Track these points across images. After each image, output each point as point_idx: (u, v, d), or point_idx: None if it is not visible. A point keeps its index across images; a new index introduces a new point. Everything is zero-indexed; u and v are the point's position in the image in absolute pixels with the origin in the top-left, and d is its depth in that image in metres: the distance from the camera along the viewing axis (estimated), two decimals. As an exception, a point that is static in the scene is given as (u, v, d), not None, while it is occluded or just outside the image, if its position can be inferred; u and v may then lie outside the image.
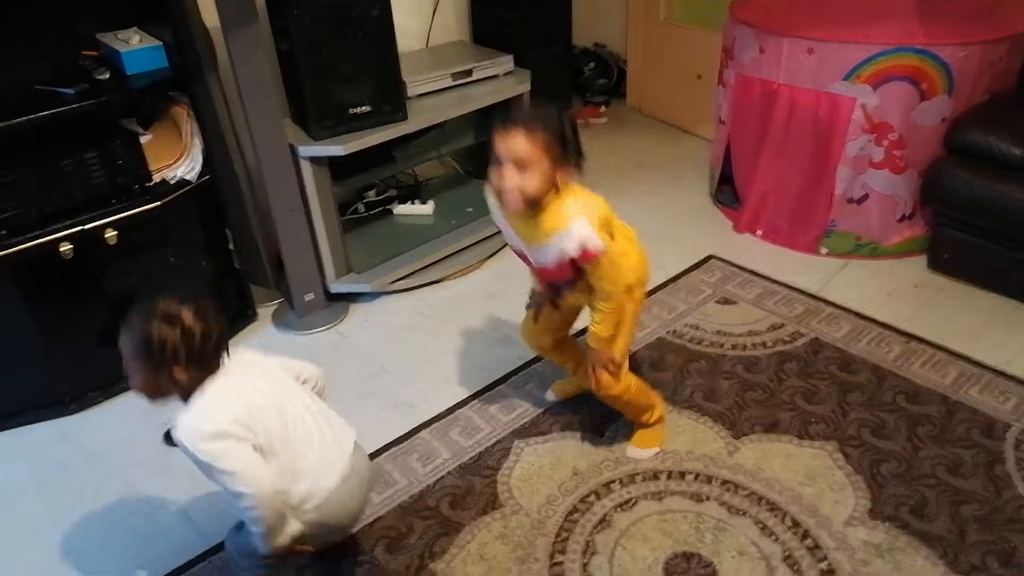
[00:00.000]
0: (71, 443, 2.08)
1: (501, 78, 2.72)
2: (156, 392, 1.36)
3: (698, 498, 1.77)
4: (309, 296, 2.49)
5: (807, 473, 1.82)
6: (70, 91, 1.91)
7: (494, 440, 1.98)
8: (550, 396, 2.10)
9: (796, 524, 1.70)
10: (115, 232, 2.00)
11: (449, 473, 1.89)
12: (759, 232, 2.81)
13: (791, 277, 2.55)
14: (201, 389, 1.35)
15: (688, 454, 1.89)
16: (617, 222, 1.68)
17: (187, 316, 1.32)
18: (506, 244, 2.93)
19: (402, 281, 2.61)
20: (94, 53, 2.11)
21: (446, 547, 1.70)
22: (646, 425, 1.92)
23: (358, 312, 2.56)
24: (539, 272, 1.74)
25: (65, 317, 2.06)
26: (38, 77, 1.97)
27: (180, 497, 1.88)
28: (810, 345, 2.22)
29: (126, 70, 2.02)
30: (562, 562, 1.65)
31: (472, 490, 1.84)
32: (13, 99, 1.90)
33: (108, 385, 2.19)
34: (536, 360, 2.24)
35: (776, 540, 1.67)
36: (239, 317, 2.47)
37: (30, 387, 2.12)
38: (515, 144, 1.46)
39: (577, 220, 1.51)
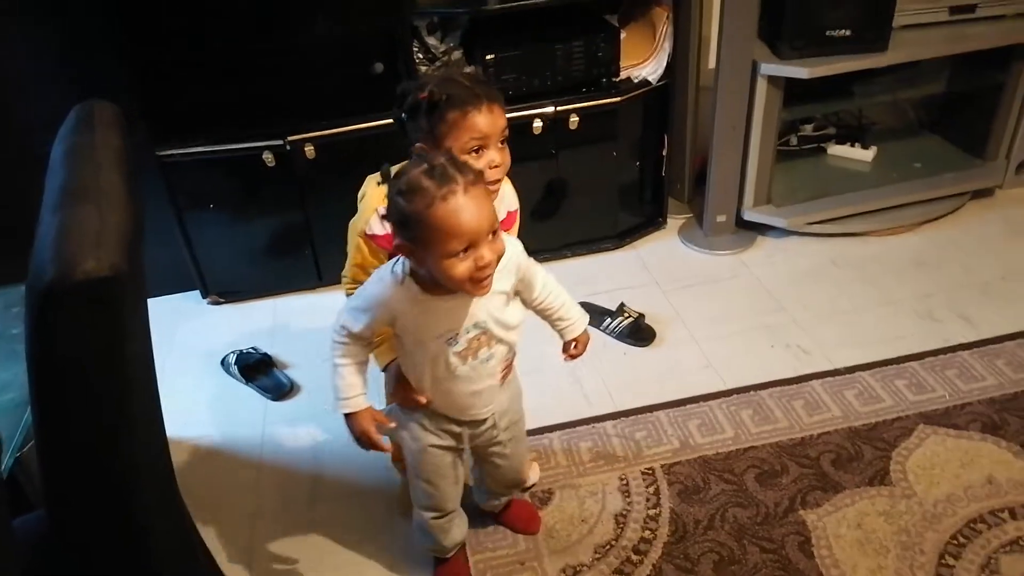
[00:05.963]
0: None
1: (1009, 20, 2.30)
2: None
3: None
4: (721, 217, 2.48)
5: None
6: (575, -20, 2.09)
7: (895, 415, 1.82)
8: None
9: None
10: (577, 119, 2.19)
11: (836, 431, 1.79)
12: None
13: None
14: None
15: None
16: None
17: None
18: (950, 212, 2.54)
19: (820, 225, 2.46)
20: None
21: (820, 501, 1.63)
22: None
23: (764, 245, 2.50)
24: None
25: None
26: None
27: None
28: None
29: (625, -33, 2.14)
30: (954, 567, 1.48)
31: (860, 457, 1.72)
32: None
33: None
34: (966, 347, 1.97)
35: None
36: (650, 222, 2.57)
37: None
38: (501, 118, 1.27)
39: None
